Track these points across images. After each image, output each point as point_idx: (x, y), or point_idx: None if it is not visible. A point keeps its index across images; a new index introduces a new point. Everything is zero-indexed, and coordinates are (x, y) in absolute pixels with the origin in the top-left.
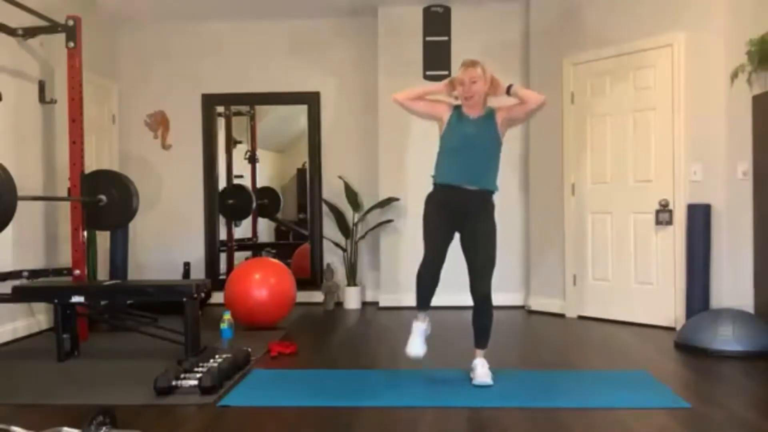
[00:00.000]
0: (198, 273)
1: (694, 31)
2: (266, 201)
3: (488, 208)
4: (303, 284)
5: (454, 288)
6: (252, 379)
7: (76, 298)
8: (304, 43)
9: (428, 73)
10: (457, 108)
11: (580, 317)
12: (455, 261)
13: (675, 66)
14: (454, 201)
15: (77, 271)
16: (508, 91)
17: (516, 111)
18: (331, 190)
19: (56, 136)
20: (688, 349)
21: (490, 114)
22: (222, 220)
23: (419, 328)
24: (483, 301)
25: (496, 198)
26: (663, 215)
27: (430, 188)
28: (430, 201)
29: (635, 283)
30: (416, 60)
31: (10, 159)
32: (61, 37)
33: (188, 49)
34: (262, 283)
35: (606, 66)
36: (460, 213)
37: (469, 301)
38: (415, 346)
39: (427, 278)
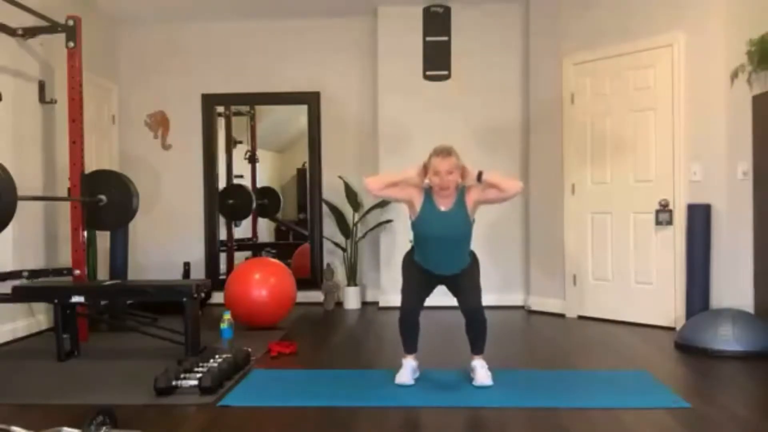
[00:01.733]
0: (198, 273)
1: (694, 31)
2: (266, 201)
3: (467, 268)
4: (303, 284)
5: None
6: (252, 379)
7: (76, 298)
8: (304, 43)
9: (428, 73)
10: (428, 193)
11: (580, 317)
12: None
13: (675, 66)
14: (433, 277)
15: (77, 271)
16: (478, 178)
17: (491, 196)
18: (331, 190)
19: (56, 136)
20: (688, 349)
21: (461, 199)
22: (222, 220)
23: (409, 363)
24: (474, 317)
25: None
26: (663, 215)
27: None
28: (409, 265)
29: (635, 283)
30: (416, 60)
31: (10, 159)
32: (61, 37)
33: (188, 49)
34: (262, 283)
35: (606, 66)
36: (440, 281)
37: None
38: (405, 376)
39: (409, 325)
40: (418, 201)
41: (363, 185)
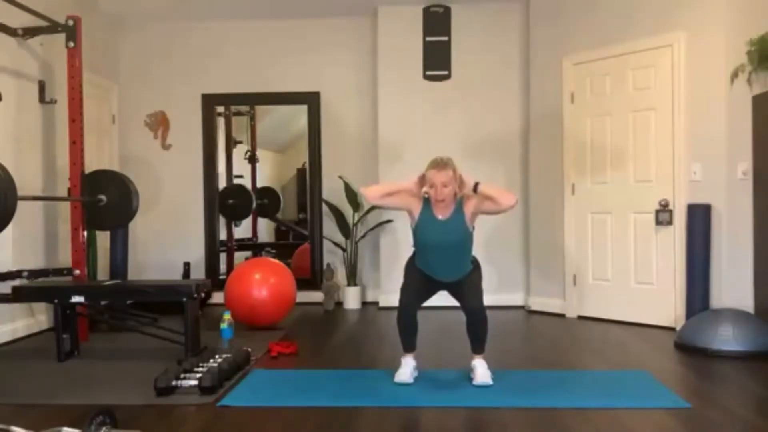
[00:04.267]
0: (198, 273)
1: (694, 31)
2: (266, 201)
3: (469, 273)
4: (303, 284)
5: None
6: (252, 379)
7: (76, 298)
8: (304, 43)
9: (428, 73)
10: (426, 202)
11: (580, 317)
12: None
13: (675, 66)
14: (434, 281)
15: (77, 271)
16: (474, 189)
17: (487, 207)
18: (331, 190)
19: (56, 136)
20: (688, 349)
21: (459, 210)
22: (222, 220)
23: (408, 361)
24: (476, 316)
25: None
26: (663, 215)
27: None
28: (411, 270)
29: (635, 283)
30: (416, 60)
31: (10, 159)
32: (61, 37)
33: (188, 49)
34: (262, 283)
35: (606, 66)
36: (441, 286)
37: None
38: (405, 375)
39: (406, 323)
40: (417, 209)
41: (361, 194)
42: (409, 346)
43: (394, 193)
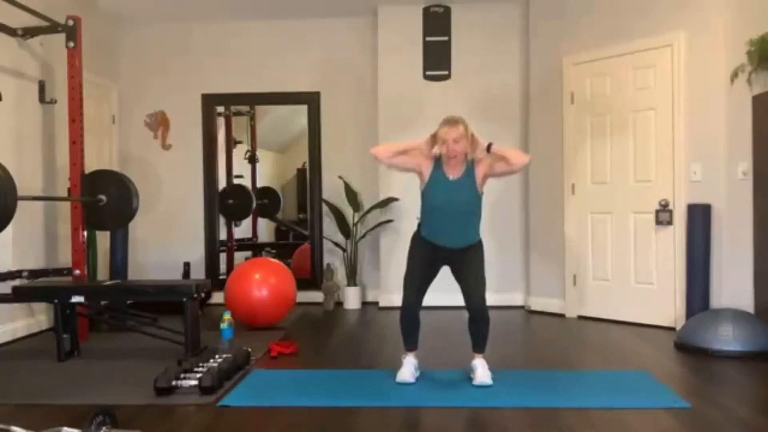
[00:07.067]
0: (198, 273)
1: (694, 30)
2: (266, 201)
3: (473, 249)
4: (303, 284)
5: (454, 288)
6: (252, 379)
7: (76, 298)
8: (304, 43)
9: (428, 73)
10: (437, 163)
11: (580, 317)
12: None
13: (675, 66)
14: (439, 254)
15: (77, 271)
16: (488, 149)
17: (499, 168)
18: (331, 190)
19: (56, 136)
20: (688, 349)
21: (470, 171)
22: (222, 220)
23: (409, 360)
24: (478, 312)
25: (497, 196)
26: (663, 215)
27: None
28: (416, 244)
29: (635, 283)
30: (416, 60)
31: (10, 159)
32: (61, 37)
33: (188, 49)
34: (262, 283)
35: (606, 66)
36: (445, 260)
37: None
38: (407, 374)
39: (410, 320)
40: (427, 169)
41: (371, 153)
42: (411, 344)
43: (406, 153)
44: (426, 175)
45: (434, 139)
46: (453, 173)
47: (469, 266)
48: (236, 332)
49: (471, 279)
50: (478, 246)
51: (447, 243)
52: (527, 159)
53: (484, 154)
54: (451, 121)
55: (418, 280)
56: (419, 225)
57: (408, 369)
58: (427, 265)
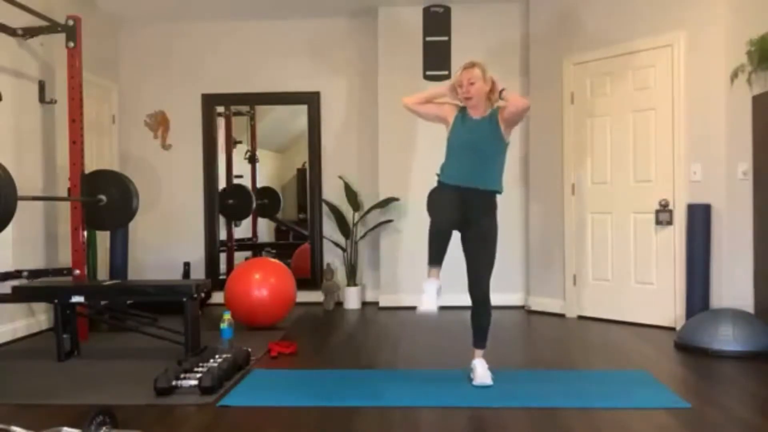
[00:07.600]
0: (198, 273)
1: (694, 31)
2: (266, 201)
3: (491, 208)
4: (303, 284)
5: (454, 288)
6: (252, 379)
7: (76, 298)
8: (304, 43)
9: (428, 73)
10: (462, 109)
11: (580, 317)
12: (455, 261)
13: (675, 66)
14: (460, 196)
15: (77, 271)
16: (500, 95)
17: (506, 113)
18: (331, 190)
19: (56, 136)
20: (688, 349)
21: (494, 114)
22: (222, 220)
23: (431, 285)
24: (481, 302)
25: (498, 197)
26: (663, 215)
27: (431, 187)
28: (436, 190)
29: (635, 283)
30: (416, 60)
31: (10, 159)
32: (61, 37)
33: (188, 49)
34: (262, 283)
35: (606, 66)
36: (464, 207)
37: (469, 301)
38: (428, 302)
39: (440, 234)
40: (452, 116)
41: (402, 103)
42: (437, 258)
43: (432, 101)
44: (450, 120)
45: (455, 89)
46: (476, 113)
47: (482, 238)
48: (236, 332)
49: (481, 255)
50: (494, 210)
51: (468, 182)
52: (524, 103)
53: (504, 103)
54: (468, 65)
55: (447, 207)
56: (440, 175)
57: (430, 296)
58: (451, 201)
